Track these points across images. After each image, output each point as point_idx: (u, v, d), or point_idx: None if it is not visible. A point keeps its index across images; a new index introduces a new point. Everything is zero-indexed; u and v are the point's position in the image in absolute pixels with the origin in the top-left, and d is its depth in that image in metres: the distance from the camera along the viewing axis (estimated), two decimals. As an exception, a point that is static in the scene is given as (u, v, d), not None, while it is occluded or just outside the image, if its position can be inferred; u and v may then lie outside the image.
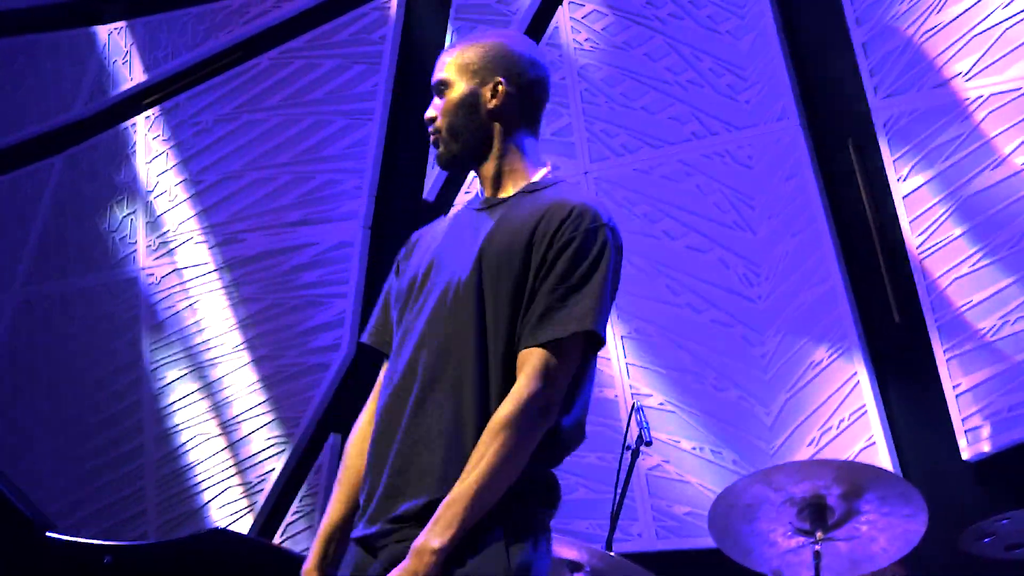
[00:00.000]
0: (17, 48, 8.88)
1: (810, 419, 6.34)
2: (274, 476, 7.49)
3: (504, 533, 3.19)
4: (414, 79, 7.79)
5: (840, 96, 6.71)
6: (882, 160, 6.47)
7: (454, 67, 3.55)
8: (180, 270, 8.04)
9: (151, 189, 8.25)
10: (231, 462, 7.64)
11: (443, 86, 3.55)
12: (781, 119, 6.71)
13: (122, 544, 6.04)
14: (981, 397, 6.05)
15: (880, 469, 5.39)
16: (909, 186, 6.37)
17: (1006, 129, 6.20)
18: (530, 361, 3.23)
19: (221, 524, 7.49)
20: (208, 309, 7.91)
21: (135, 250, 8.21)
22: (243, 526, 7.46)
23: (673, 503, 6.51)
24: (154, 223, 8.19)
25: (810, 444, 6.30)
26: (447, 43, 7.61)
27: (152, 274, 8.11)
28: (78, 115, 8.59)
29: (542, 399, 3.20)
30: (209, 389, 7.79)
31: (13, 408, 8.31)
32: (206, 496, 7.67)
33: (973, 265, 6.18)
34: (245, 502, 7.54)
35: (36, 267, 8.46)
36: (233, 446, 7.66)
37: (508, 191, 3.50)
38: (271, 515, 7.50)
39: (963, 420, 6.06)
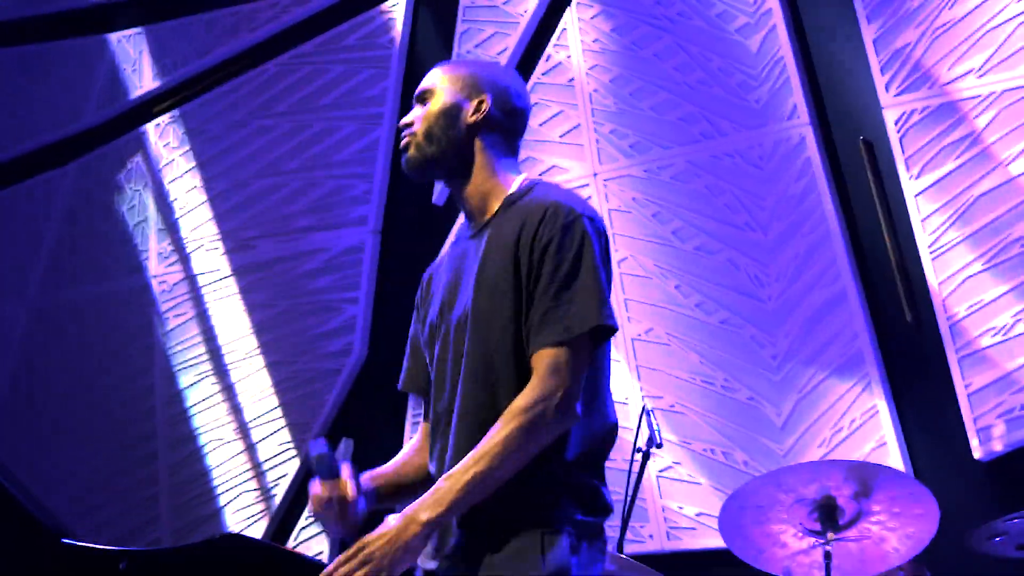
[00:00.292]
0: (28, 57, 8.89)
1: (821, 420, 6.33)
2: (287, 481, 7.50)
3: (541, 537, 3.21)
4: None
5: (851, 95, 6.70)
6: (893, 158, 6.45)
7: (443, 78, 3.59)
8: (191, 277, 8.05)
9: (162, 196, 8.26)
10: (244, 467, 7.65)
11: (427, 94, 3.58)
12: (791, 118, 6.69)
13: (137, 550, 6.06)
14: (992, 396, 6.03)
15: (891, 469, 5.39)
16: (920, 184, 6.36)
17: (1018, 126, 6.18)
18: (540, 362, 3.25)
19: (235, 529, 7.49)
20: (220, 315, 7.92)
21: (147, 257, 8.22)
22: (256, 531, 7.47)
23: (684, 504, 6.50)
24: (165, 230, 8.20)
25: (821, 445, 6.28)
26: (455, 46, 7.61)
27: (164, 281, 8.12)
28: (89, 123, 8.61)
29: (553, 394, 3.21)
30: (222, 395, 7.80)
31: (27, 415, 8.32)
32: (220, 501, 7.68)
33: (985, 264, 6.16)
34: (258, 507, 7.55)
35: (49, 275, 8.48)
36: (246, 451, 7.67)
37: (492, 210, 3.50)
38: (284, 520, 7.50)
39: (975, 420, 6.04)
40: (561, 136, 7.16)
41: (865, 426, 6.23)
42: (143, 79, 8.50)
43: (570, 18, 7.34)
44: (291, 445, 7.55)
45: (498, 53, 7.47)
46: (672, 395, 6.67)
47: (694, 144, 6.91)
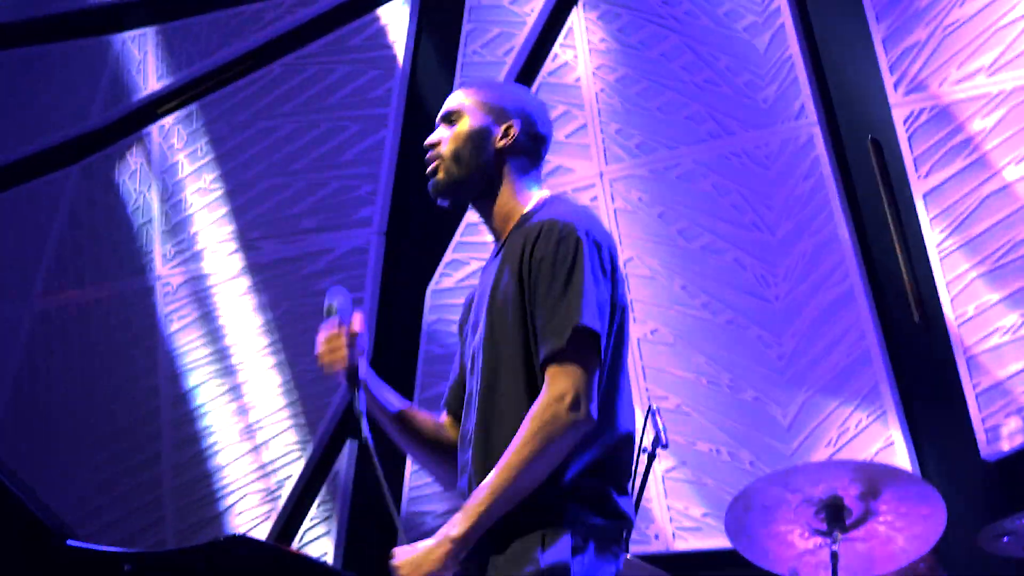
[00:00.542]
0: (32, 58, 8.89)
1: (828, 420, 6.31)
2: (292, 482, 7.48)
3: (542, 536, 3.26)
4: (428, 83, 7.78)
5: (859, 94, 6.69)
6: (902, 157, 6.43)
7: (470, 101, 3.66)
8: (196, 278, 8.04)
9: (166, 197, 8.26)
10: (249, 469, 7.64)
11: (454, 115, 3.65)
12: (799, 118, 6.67)
13: (141, 552, 6.04)
14: (1000, 396, 6.01)
15: (898, 469, 5.38)
16: (929, 184, 6.33)
17: (1027, 125, 6.18)
18: (546, 372, 3.31)
19: (239, 531, 7.48)
20: (224, 317, 7.91)
21: (151, 259, 8.21)
22: (261, 533, 7.45)
23: (690, 505, 6.48)
24: (170, 231, 8.19)
25: (828, 445, 6.27)
26: (460, 46, 7.59)
27: (168, 283, 8.11)
28: (94, 124, 8.59)
29: (562, 398, 3.25)
30: (226, 396, 7.78)
31: (31, 417, 8.32)
32: (224, 503, 7.66)
33: (993, 263, 6.15)
34: (263, 508, 7.53)
35: (53, 277, 8.47)
36: (251, 453, 7.66)
37: (509, 230, 3.59)
38: (289, 521, 7.48)
39: (982, 419, 6.02)
40: (567, 136, 7.14)
41: (872, 426, 6.21)
42: (148, 80, 8.49)
43: (576, 18, 7.33)
44: (296, 447, 7.53)
45: (504, 53, 7.46)
46: (678, 395, 6.65)
47: (701, 144, 6.89)
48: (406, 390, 7.04)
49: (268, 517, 7.50)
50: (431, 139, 3.64)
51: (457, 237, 7.34)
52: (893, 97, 6.50)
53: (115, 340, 8.19)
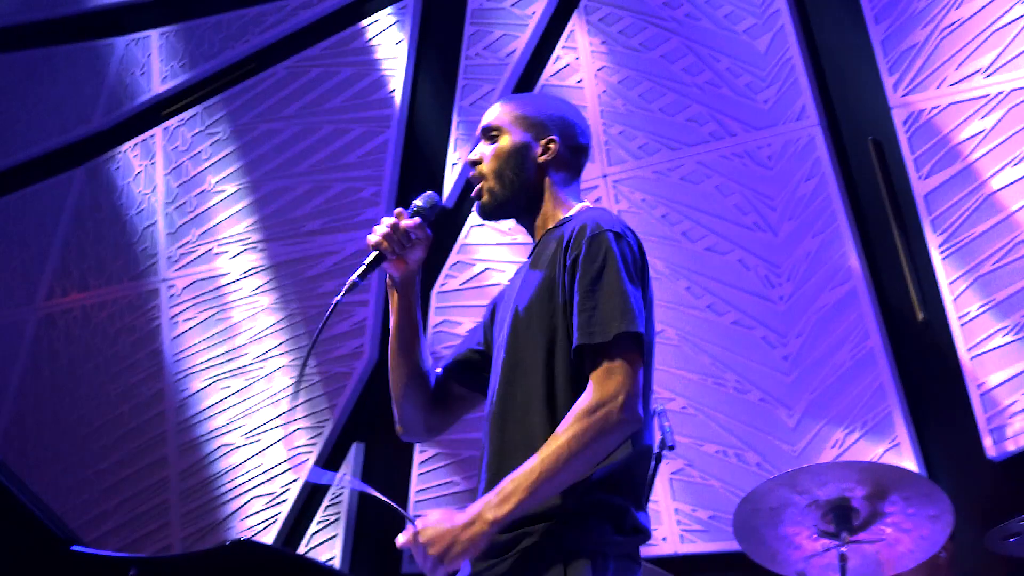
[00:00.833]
0: (36, 60, 8.90)
1: (834, 420, 6.32)
2: (298, 486, 7.48)
3: (564, 553, 3.28)
4: (431, 86, 7.79)
5: (859, 95, 6.70)
6: (902, 158, 6.45)
7: (510, 116, 3.69)
8: (201, 281, 8.04)
9: (170, 200, 8.26)
10: (255, 472, 7.64)
11: (495, 132, 3.67)
12: (800, 119, 6.68)
13: (147, 557, 6.04)
14: (1006, 395, 6.02)
15: (904, 470, 5.37)
16: (929, 184, 6.35)
17: (1026, 125, 6.20)
18: (597, 372, 3.32)
19: (245, 535, 7.48)
20: (229, 319, 7.92)
21: (156, 261, 8.21)
22: (268, 537, 7.46)
23: (697, 507, 6.48)
24: (174, 234, 8.19)
25: (834, 446, 6.27)
26: (463, 48, 7.60)
27: (173, 285, 8.12)
28: (97, 127, 8.61)
29: (615, 397, 3.28)
30: (231, 400, 7.79)
31: (36, 421, 8.32)
32: (230, 507, 7.67)
33: (996, 263, 6.16)
34: (269, 513, 7.53)
35: (57, 280, 8.48)
36: (256, 456, 7.66)
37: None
38: (295, 525, 7.49)
39: (988, 419, 6.03)
40: (570, 138, 7.14)
41: (878, 427, 6.22)
42: (152, 83, 8.50)
43: (578, 20, 7.33)
44: (302, 450, 7.53)
45: (506, 55, 7.47)
46: (684, 397, 6.66)
47: (703, 145, 6.91)
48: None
49: (274, 521, 7.50)
50: (473, 155, 3.66)
51: (461, 239, 7.34)
52: (892, 98, 6.51)
53: (120, 343, 8.19)
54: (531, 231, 3.68)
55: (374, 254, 3.59)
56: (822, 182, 6.57)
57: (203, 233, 8.11)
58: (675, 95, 7.02)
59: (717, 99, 6.91)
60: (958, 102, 6.36)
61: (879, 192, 6.53)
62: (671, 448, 5.31)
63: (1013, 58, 6.27)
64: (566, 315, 3.40)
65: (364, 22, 7.97)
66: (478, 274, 7.26)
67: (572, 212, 3.63)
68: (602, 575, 3.28)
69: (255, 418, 7.69)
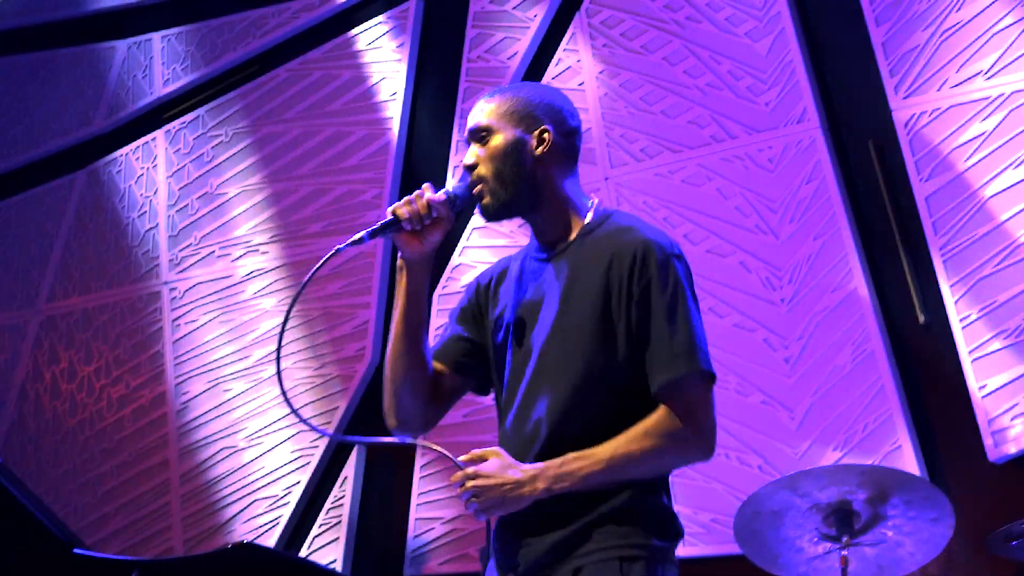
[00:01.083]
0: (37, 63, 8.91)
1: (835, 423, 6.31)
2: (300, 489, 7.48)
3: (620, 557, 3.34)
4: (433, 87, 7.79)
5: (860, 97, 6.70)
6: (903, 160, 6.44)
7: (496, 114, 3.63)
8: (202, 284, 8.05)
9: (172, 203, 8.27)
10: (257, 475, 7.64)
11: (484, 132, 3.62)
12: (801, 121, 6.68)
13: (149, 560, 6.05)
14: (1007, 398, 6.02)
15: (905, 473, 5.38)
16: (931, 186, 6.35)
17: (1027, 127, 6.20)
18: (682, 400, 3.45)
19: (247, 538, 7.48)
20: (231, 322, 7.92)
21: (157, 264, 8.22)
22: (269, 540, 7.45)
23: (699, 509, 6.48)
24: (176, 237, 8.20)
25: (836, 449, 6.27)
26: (465, 51, 7.61)
27: (175, 288, 8.12)
28: (99, 129, 8.62)
29: (700, 434, 3.47)
30: (233, 402, 7.79)
31: (37, 424, 8.32)
32: (232, 510, 7.67)
33: (997, 265, 6.16)
34: (271, 516, 7.53)
35: (58, 283, 8.48)
36: (258, 459, 7.66)
37: (567, 236, 3.59)
38: (297, 528, 7.48)
39: (989, 422, 6.03)
40: (571, 140, 7.14)
41: (879, 429, 6.21)
42: (154, 85, 8.51)
43: (579, 22, 7.34)
44: (304, 452, 7.53)
45: (508, 57, 7.47)
46: (685, 399, 6.65)
47: (704, 147, 6.91)
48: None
49: (277, 524, 7.50)
50: (467, 160, 3.62)
51: (463, 242, 7.34)
52: (893, 101, 6.51)
53: (121, 347, 8.19)
54: (540, 228, 3.63)
55: (390, 219, 3.52)
56: (823, 184, 6.57)
57: (205, 236, 8.11)
58: (676, 97, 7.02)
59: (718, 101, 6.91)
60: (959, 104, 6.36)
61: (880, 194, 6.53)
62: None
63: (1014, 60, 6.27)
64: (630, 335, 3.43)
65: (366, 25, 7.97)
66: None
67: (592, 214, 3.60)
68: None
69: (257, 421, 7.69)
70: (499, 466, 3.36)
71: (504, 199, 3.57)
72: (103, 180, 8.53)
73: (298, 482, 7.50)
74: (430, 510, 7.13)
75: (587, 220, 3.59)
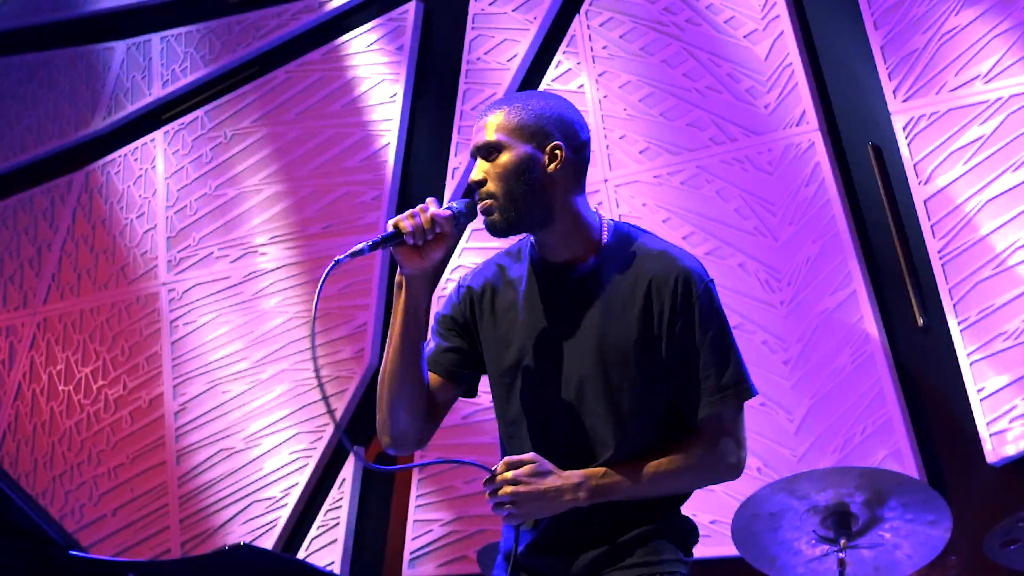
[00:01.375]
0: (36, 64, 8.91)
1: (834, 425, 6.32)
2: (298, 490, 7.48)
3: (660, 573, 3.41)
4: (433, 89, 7.79)
5: (859, 100, 6.70)
6: (902, 163, 6.45)
7: (506, 129, 3.47)
8: (201, 285, 8.04)
9: (171, 204, 8.27)
10: (254, 477, 7.63)
11: (493, 149, 3.46)
12: (800, 124, 6.69)
13: (146, 561, 6.05)
14: (1006, 400, 6.03)
15: (903, 475, 5.37)
16: (930, 189, 6.35)
17: (1025, 131, 6.20)
18: (714, 425, 3.47)
19: (245, 540, 7.47)
20: (229, 323, 7.92)
21: (156, 265, 8.22)
22: (267, 542, 7.45)
23: (697, 511, 6.44)
24: (175, 238, 8.20)
25: (834, 451, 6.27)
26: (464, 52, 7.61)
27: (173, 289, 8.12)
28: (97, 130, 8.62)
29: (737, 461, 3.49)
30: (231, 404, 7.78)
31: (34, 425, 8.32)
32: (230, 512, 7.66)
33: (996, 268, 6.16)
34: (269, 517, 7.53)
35: (57, 283, 8.48)
36: (256, 461, 7.66)
37: (581, 258, 3.53)
38: (295, 530, 7.48)
39: (988, 424, 6.03)
40: (570, 142, 7.14)
41: (878, 432, 6.22)
42: (152, 86, 8.51)
43: (579, 25, 7.34)
44: (302, 454, 7.53)
45: (508, 60, 7.47)
46: (684, 401, 6.65)
47: (704, 150, 6.91)
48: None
49: (274, 526, 7.50)
50: (475, 176, 3.46)
51: (462, 243, 7.34)
52: (892, 104, 6.52)
53: (119, 347, 8.19)
54: (550, 246, 3.53)
55: (391, 232, 3.40)
56: (822, 187, 6.57)
57: (204, 237, 8.11)
58: (676, 100, 7.02)
59: (718, 104, 6.92)
60: (958, 108, 6.36)
61: (879, 197, 6.53)
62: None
63: (1012, 64, 6.28)
64: (671, 362, 3.45)
65: (365, 27, 7.97)
66: (478, 279, 7.26)
67: (606, 232, 3.55)
68: None
69: (256, 423, 7.68)
70: (539, 472, 3.35)
71: (514, 218, 3.44)
72: (102, 181, 8.53)
73: (296, 484, 7.49)
74: (429, 512, 7.13)
75: (604, 239, 3.53)
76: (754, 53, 6.88)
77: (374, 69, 7.89)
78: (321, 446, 7.48)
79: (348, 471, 7.41)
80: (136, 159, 8.47)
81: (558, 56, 7.37)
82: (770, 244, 6.65)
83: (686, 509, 3.56)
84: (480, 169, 3.47)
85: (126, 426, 8.05)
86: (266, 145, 8.06)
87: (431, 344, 3.66)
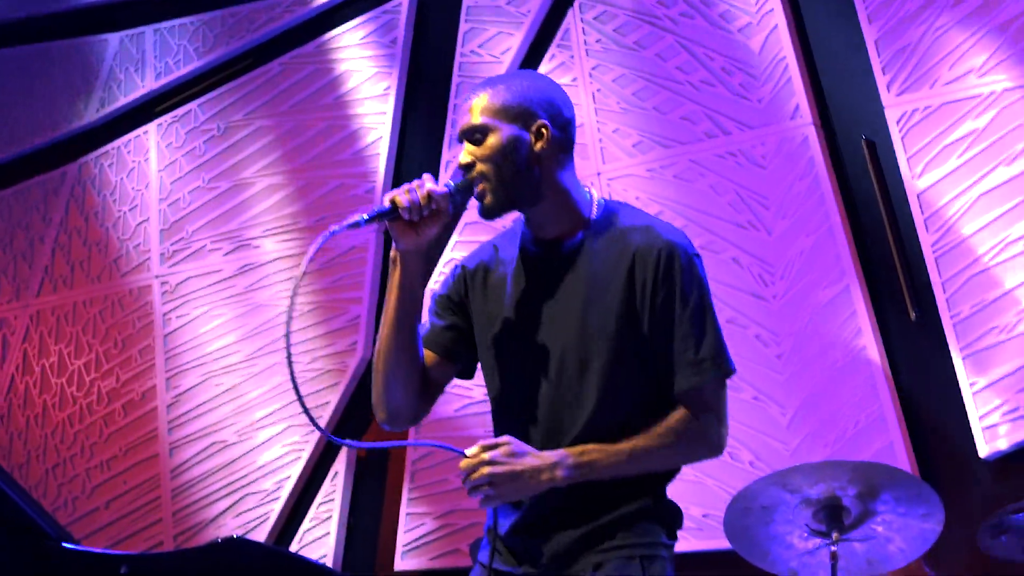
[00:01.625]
0: (29, 56, 8.89)
1: (826, 419, 6.32)
2: (290, 483, 7.48)
3: (642, 556, 3.39)
4: (426, 82, 7.79)
5: (853, 94, 6.70)
6: (896, 158, 6.45)
7: (490, 111, 3.51)
8: (194, 277, 8.04)
9: (164, 196, 8.26)
10: (247, 470, 7.63)
11: (479, 132, 3.51)
12: (794, 118, 6.69)
13: (138, 554, 6.04)
14: (998, 394, 6.03)
15: (895, 469, 5.36)
16: (923, 183, 6.36)
17: (1019, 125, 6.19)
18: (704, 399, 3.46)
19: (238, 533, 7.46)
20: (222, 316, 7.91)
21: (149, 258, 8.21)
22: (260, 534, 7.45)
23: (689, 504, 6.48)
24: (168, 230, 8.19)
25: (827, 445, 6.28)
26: (458, 45, 7.60)
27: (166, 281, 8.12)
28: (90, 123, 8.61)
29: (719, 432, 3.47)
30: (224, 397, 7.78)
31: (27, 417, 8.31)
32: (223, 505, 7.66)
33: (988, 262, 6.16)
34: (262, 510, 7.53)
35: (49, 276, 8.47)
36: (249, 454, 7.65)
37: (569, 233, 3.55)
38: (288, 523, 7.48)
39: (980, 418, 6.04)
40: (564, 135, 7.13)
41: (870, 425, 6.22)
42: (146, 79, 8.50)
43: (573, 18, 7.33)
44: (295, 447, 7.53)
45: (501, 53, 7.47)
46: (676, 395, 6.65)
47: (697, 143, 6.91)
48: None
49: (267, 518, 7.50)
50: (463, 159, 3.51)
51: (456, 236, 7.34)
52: (886, 98, 6.52)
53: (111, 340, 8.19)
54: (539, 222, 3.56)
55: (388, 206, 3.43)
56: (816, 181, 6.57)
57: (197, 230, 8.10)
58: (669, 93, 7.02)
59: (711, 97, 6.91)
60: (951, 102, 6.36)
61: (872, 191, 6.53)
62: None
63: (1005, 58, 6.28)
64: (654, 336, 3.43)
65: (359, 19, 7.97)
66: (471, 272, 7.25)
67: (595, 208, 3.57)
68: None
69: (248, 416, 7.68)
70: (514, 453, 3.35)
71: (504, 200, 3.48)
72: (95, 173, 8.52)
73: (289, 476, 7.49)
74: (421, 505, 7.13)
75: (593, 215, 3.56)
76: (748, 47, 6.88)
77: (367, 62, 7.88)
78: (314, 439, 7.47)
79: (341, 464, 7.41)
80: (129, 151, 8.46)
81: (552, 49, 7.36)
82: (763, 238, 6.65)
83: (680, 502, 3.56)
84: (467, 152, 3.53)
85: (119, 419, 8.05)
86: (259, 138, 8.05)
87: (427, 323, 3.69)
